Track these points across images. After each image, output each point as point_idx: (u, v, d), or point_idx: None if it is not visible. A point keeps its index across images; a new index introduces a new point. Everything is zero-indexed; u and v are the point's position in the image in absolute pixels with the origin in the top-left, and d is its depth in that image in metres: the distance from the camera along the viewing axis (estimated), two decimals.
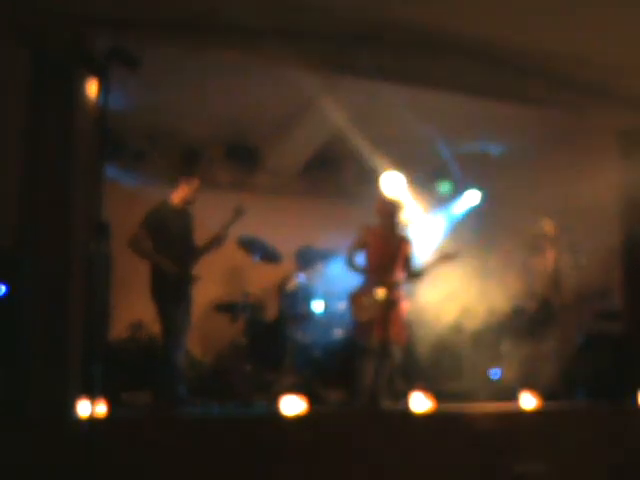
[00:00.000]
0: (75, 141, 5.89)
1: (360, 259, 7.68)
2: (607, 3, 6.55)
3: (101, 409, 5.68)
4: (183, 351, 7.37)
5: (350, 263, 7.66)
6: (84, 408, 5.31)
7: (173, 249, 7.32)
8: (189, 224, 7.59)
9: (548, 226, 8.84)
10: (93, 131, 5.68)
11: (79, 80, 5.96)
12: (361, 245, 7.66)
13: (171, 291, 7.24)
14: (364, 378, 7.43)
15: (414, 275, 7.70)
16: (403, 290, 7.71)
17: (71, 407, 5.51)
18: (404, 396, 7.23)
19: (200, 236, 7.68)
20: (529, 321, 8.62)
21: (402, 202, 7.86)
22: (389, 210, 7.71)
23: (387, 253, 7.62)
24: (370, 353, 7.42)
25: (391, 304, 7.47)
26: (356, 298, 7.63)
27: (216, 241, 7.60)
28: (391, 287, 7.50)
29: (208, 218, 7.65)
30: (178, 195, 7.55)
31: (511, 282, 8.90)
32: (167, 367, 7.15)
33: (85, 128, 5.85)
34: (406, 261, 7.70)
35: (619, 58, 7.42)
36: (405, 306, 7.73)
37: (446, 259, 7.81)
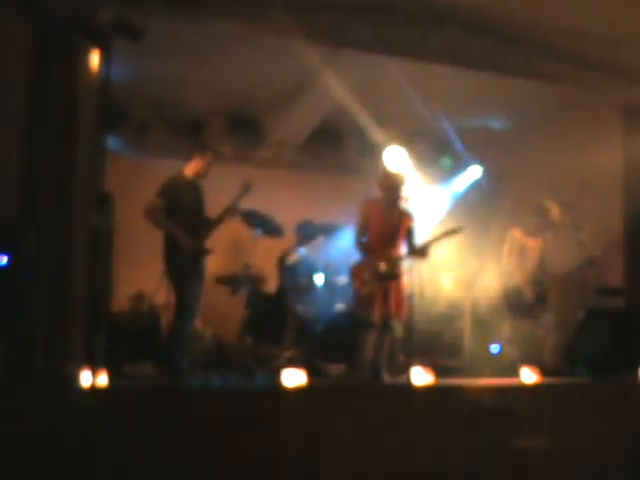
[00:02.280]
0: (77, 113, 5.86)
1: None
2: None
3: (103, 380, 5.71)
4: (193, 325, 7.39)
5: (358, 244, 7.66)
6: (86, 378, 5.33)
7: (186, 221, 7.26)
8: (200, 197, 7.53)
9: (554, 210, 8.82)
10: (95, 102, 5.67)
11: (81, 51, 5.91)
12: (366, 223, 7.65)
13: (186, 264, 7.19)
14: (365, 351, 7.46)
15: (417, 252, 7.68)
16: (404, 264, 7.71)
17: (74, 377, 5.53)
18: (404, 370, 7.25)
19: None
20: (525, 304, 8.66)
21: (405, 176, 7.83)
22: (392, 183, 7.68)
23: (388, 227, 7.61)
24: (371, 326, 7.44)
25: (392, 278, 7.49)
26: (357, 271, 7.64)
27: (227, 214, 7.54)
28: (392, 261, 7.51)
29: (210, 191, 7.64)
30: (191, 168, 7.48)
31: (507, 260, 8.92)
32: (178, 341, 7.16)
33: (88, 99, 5.82)
34: (408, 235, 7.69)
35: (624, 31, 7.38)
36: (406, 280, 7.73)
37: (448, 235, 7.81)
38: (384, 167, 8.40)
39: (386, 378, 7.37)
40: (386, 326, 7.47)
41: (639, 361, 7.87)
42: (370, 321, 7.43)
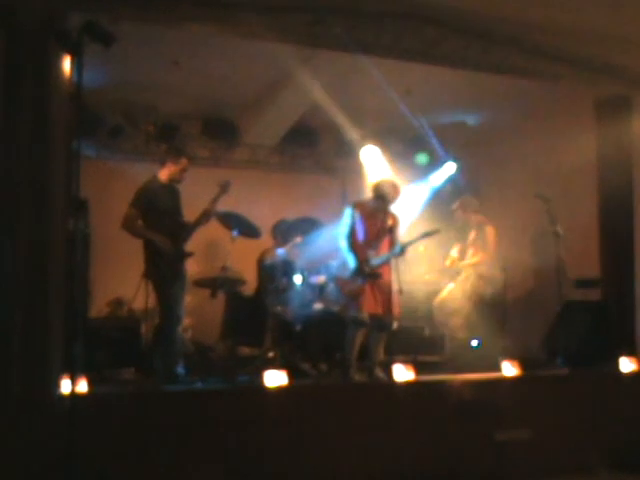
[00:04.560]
0: (51, 118, 5.84)
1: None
2: None
3: (82, 386, 5.69)
4: (179, 329, 7.38)
5: (349, 249, 7.64)
6: (66, 385, 5.31)
7: (163, 225, 7.22)
8: (177, 201, 7.49)
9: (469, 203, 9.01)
10: (68, 107, 5.64)
11: (54, 56, 5.90)
12: (354, 226, 7.67)
13: (168, 269, 7.15)
14: (354, 350, 7.44)
15: (396, 251, 7.67)
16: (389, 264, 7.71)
17: (53, 384, 5.51)
18: (386, 367, 7.25)
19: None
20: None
21: (400, 188, 7.80)
22: (386, 194, 7.66)
23: (374, 229, 7.62)
24: (362, 325, 7.43)
25: (375, 277, 7.47)
26: (341, 282, 7.68)
27: (205, 217, 7.49)
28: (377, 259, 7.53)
29: (186, 194, 7.62)
30: (165, 172, 7.43)
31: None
32: (167, 346, 7.14)
33: (60, 104, 5.80)
34: (391, 236, 7.68)
35: (596, 27, 7.42)
36: (390, 278, 7.72)
37: (426, 236, 7.85)
38: (381, 177, 8.37)
39: (363, 376, 7.37)
40: (381, 325, 7.46)
41: (617, 352, 7.94)
42: (361, 320, 7.42)
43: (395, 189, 7.73)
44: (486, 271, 8.86)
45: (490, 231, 8.86)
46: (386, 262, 7.59)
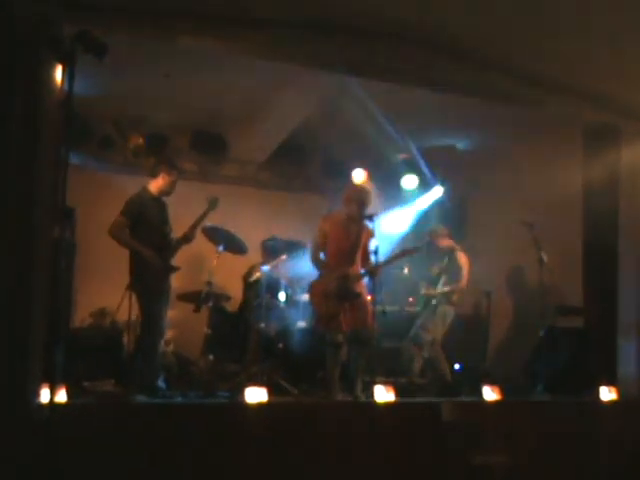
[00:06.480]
0: (40, 126, 5.84)
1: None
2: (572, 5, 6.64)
3: (61, 396, 5.66)
4: (161, 343, 7.38)
5: (316, 261, 7.63)
6: (45, 394, 5.28)
7: (151, 239, 7.24)
8: (165, 214, 7.51)
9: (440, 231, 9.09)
10: (59, 116, 5.64)
11: (45, 65, 5.90)
12: (324, 239, 7.62)
13: (153, 282, 7.17)
14: (333, 369, 7.40)
15: (371, 270, 7.61)
16: (364, 281, 7.67)
17: (32, 393, 5.48)
18: (367, 388, 7.24)
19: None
20: None
21: (371, 191, 7.78)
22: (358, 198, 7.60)
23: (347, 242, 7.54)
24: (337, 346, 7.40)
25: (352, 296, 7.44)
26: (315, 289, 7.61)
27: (192, 233, 7.54)
28: (353, 277, 7.49)
29: (173, 207, 7.62)
30: (155, 184, 7.45)
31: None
32: (148, 359, 7.14)
33: (51, 113, 5.80)
34: (366, 251, 7.63)
35: (584, 55, 7.47)
36: (368, 297, 7.69)
37: (405, 255, 7.84)
38: (351, 181, 8.38)
39: (345, 396, 7.35)
40: (359, 340, 7.42)
41: (597, 380, 7.95)
42: (337, 342, 7.38)
43: (366, 193, 7.68)
44: (457, 299, 8.85)
45: (461, 256, 8.86)
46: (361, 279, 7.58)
